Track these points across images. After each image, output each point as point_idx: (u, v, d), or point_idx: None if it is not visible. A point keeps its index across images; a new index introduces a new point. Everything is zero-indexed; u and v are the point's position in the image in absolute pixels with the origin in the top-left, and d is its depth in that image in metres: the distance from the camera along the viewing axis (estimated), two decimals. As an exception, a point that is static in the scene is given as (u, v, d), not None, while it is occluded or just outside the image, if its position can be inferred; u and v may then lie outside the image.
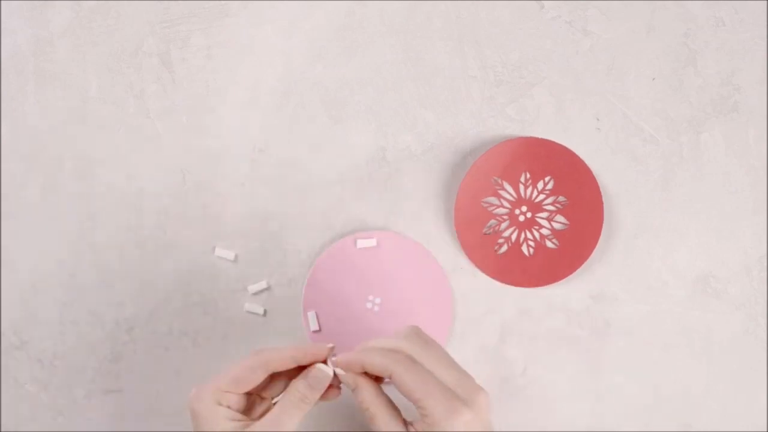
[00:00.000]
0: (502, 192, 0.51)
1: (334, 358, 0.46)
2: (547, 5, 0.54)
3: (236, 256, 0.55)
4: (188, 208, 0.55)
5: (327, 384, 0.46)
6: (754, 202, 0.53)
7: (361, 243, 0.54)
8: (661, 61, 0.54)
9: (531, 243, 0.51)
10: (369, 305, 0.54)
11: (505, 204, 0.50)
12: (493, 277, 0.52)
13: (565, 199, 0.51)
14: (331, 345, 0.46)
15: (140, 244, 0.55)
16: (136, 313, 0.55)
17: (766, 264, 0.53)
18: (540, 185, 0.51)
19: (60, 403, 0.55)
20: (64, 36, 0.56)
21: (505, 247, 0.51)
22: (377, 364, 0.44)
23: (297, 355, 0.46)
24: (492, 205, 0.50)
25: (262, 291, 0.55)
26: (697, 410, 0.53)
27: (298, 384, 0.46)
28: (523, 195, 0.50)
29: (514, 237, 0.51)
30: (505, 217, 0.50)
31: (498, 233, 0.51)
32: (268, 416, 0.45)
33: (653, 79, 0.54)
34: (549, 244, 0.51)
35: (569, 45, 0.54)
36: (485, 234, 0.51)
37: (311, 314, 0.54)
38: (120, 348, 0.55)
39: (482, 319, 0.54)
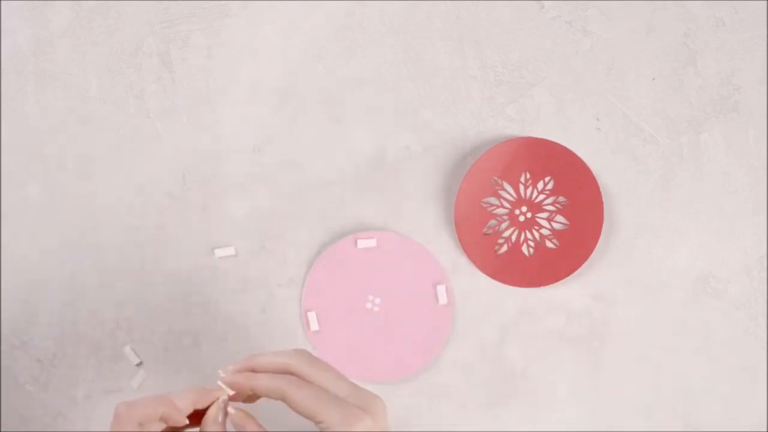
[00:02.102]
0: (502, 192, 0.51)
1: (222, 375, 0.44)
2: (547, 5, 0.54)
3: (236, 252, 0.55)
4: (188, 208, 0.55)
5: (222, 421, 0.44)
6: (754, 202, 0.53)
7: (361, 243, 0.54)
8: (661, 61, 0.54)
9: (531, 243, 0.51)
10: (369, 305, 0.54)
11: (505, 204, 0.50)
12: (493, 277, 0.52)
13: (565, 200, 0.51)
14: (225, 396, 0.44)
15: (140, 244, 0.55)
16: (136, 313, 0.55)
17: (766, 264, 0.53)
18: (540, 185, 0.51)
19: (60, 403, 0.55)
20: (64, 36, 0.56)
21: (505, 248, 0.51)
22: (268, 386, 0.42)
23: (186, 404, 0.43)
24: (492, 205, 0.50)
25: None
26: (697, 410, 0.53)
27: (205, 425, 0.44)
28: (523, 195, 0.50)
29: (514, 237, 0.51)
30: (505, 217, 0.50)
31: (498, 233, 0.51)
32: None
33: (653, 79, 0.54)
34: (549, 244, 0.50)
35: (569, 45, 0.54)
36: (485, 234, 0.51)
37: (311, 314, 0.54)
38: (120, 348, 0.55)
39: (482, 319, 0.54)
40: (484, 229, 0.51)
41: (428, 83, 0.54)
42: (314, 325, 0.54)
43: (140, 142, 0.55)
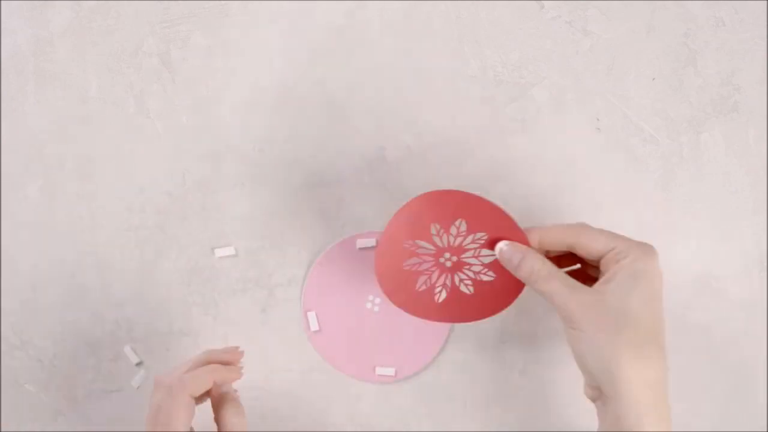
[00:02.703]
0: (419, 251, 0.51)
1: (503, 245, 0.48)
2: (547, 5, 0.54)
3: (236, 252, 0.55)
4: (188, 208, 0.55)
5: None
6: (754, 202, 0.53)
7: (361, 243, 0.54)
8: (661, 61, 0.54)
9: (467, 282, 0.51)
10: (369, 305, 0.54)
11: (427, 259, 0.51)
12: (444, 321, 0.52)
13: (483, 233, 0.51)
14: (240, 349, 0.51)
15: (140, 244, 0.55)
16: (136, 313, 0.55)
17: (766, 264, 0.53)
18: (453, 230, 0.51)
19: (60, 403, 0.56)
20: (64, 36, 0.56)
21: (444, 294, 0.51)
22: (559, 232, 0.47)
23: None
24: (415, 264, 0.51)
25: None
26: (696, 410, 0.53)
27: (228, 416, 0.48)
28: (441, 244, 0.51)
29: (448, 282, 0.51)
30: (433, 269, 0.51)
31: (432, 285, 0.51)
32: None
33: (653, 79, 0.54)
34: (485, 277, 0.51)
35: (569, 45, 0.54)
36: (420, 290, 0.51)
37: (311, 314, 0.54)
38: (120, 348, 0.55)
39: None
40: (418, 287, 0.51)
41: (428, 83, 0.54)
42: (314, 325, 0.54)
43: (140, 142, 0.55)
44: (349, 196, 0.55)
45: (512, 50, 0.54)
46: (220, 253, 0.55)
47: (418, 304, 0.51)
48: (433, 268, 0.50)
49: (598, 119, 0.54)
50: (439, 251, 0.50)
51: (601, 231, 0.46)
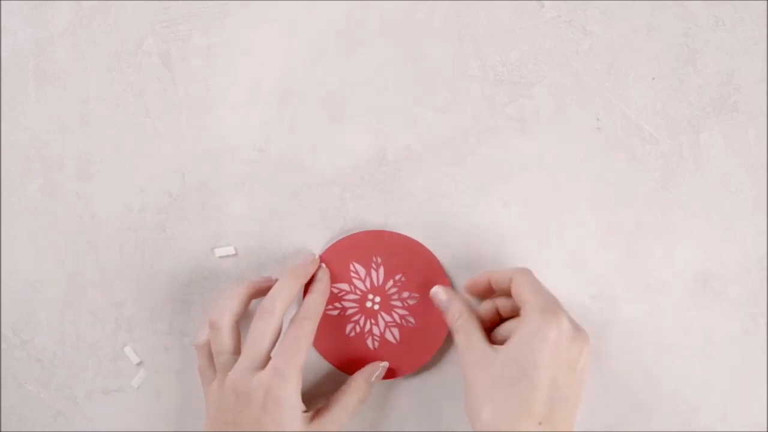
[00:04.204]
0: (343, 302, 0.53)
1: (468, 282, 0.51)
2: (547, 5, 0.54)
3: (236, 252, 0.55)
4: (188, 208, 0.55)
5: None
6: (754, 202, 0.53)
7: (361, 243, 0.54)
8: (660, 61, 0.54)
9: (393, 327, 0.52)
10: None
11: (351, 305, 0.52)
12: (391, 376, 0.53)
13: (401, 275, 0.52)
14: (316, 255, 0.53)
15: (140, 244, 0.55)
16: (136, 313, 0.55)
17: (766, 264, 0.53)
18: (373, 274, 0.52)
19: (60, 403, 0.56)
20: (64, 36, 0.56)
21: (377, 342, 0.53)
22: (502, 272, 0.49)
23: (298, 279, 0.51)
24: (340, 309, 0.52)
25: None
26: (696, 410, 0.53)
27: (360, 383, 0.50)
28: (364, 288, 0.52)
29: (376, 330, 0.52)
30: (358, 315, 0.52)
31: (362, 331, 0.52)
32: (329, 415, 0.48)
33: (653, 78, 0.54)
34: (411, 319, 0.52)
35: (569, 45, 0.54)
36: (350, 336, 0.53)
37: (311, 314, 0.54)
38: (120, 348, 0.55)
39: (482, 319, 0.54)
40: (347, 333, 0.52)
41: (428, 83, 0.54)
42: (314, 325, 0.54)
43: (140, 142, 0.55)
44: (349, 196, 0.55)
45: (512, 50, 0.54)
46: (220, 253, 0.55)
47: (350, 354, 0.52)
48: (358, 315, 0.52)
49: (598, 119, 0.54)
50: (364, 294, 0.52)
51: (524, 283, 0.47)
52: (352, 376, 0.51)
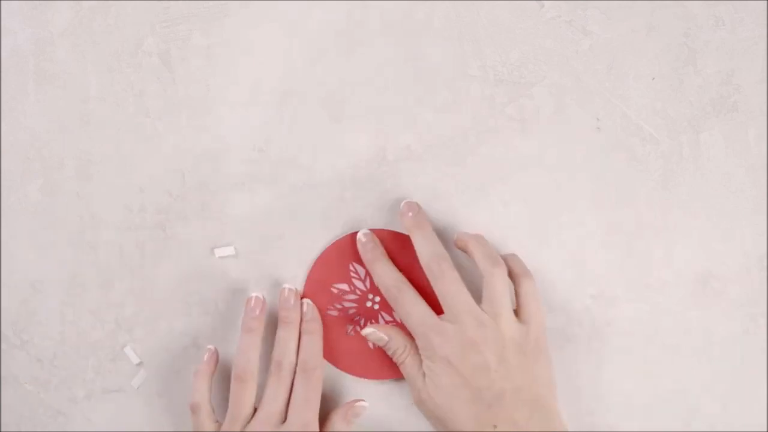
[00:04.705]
0: (342, 303, 0.53)
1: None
2: (547, 5, 0.54)
3: (236, 252, 0.55)
4: (188, 208, 0.55)
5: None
6: (754, 202, 0.53)
7: (361, 243, 0.54)
8: (660, 61, 0.54)
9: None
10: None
11: (351, 306, 0.52)
12: (385, 378, 0.53)
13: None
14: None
15: (140, 244, 0.55)
16: (136, 313, 0.55)
17: (766, 264, 0.53)
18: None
19: (60, 403, 0.56)
20: (64, 36, 0.56)
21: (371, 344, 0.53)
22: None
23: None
24: (340, 309, 0.53)
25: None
26: (696, 410, 0.53)
27: (336, 422, 0.52)
28: (364, 288, 0.52)
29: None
30: (358, 317, 0.52)
31: (360, 334, 0.53)
32: None
33: (653, 78, 0.54)
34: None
35: (569, 45, 0.54)
36: (350, 336, 0.53)
37: (311, 314, 0.54)
38: (120, 348, 0.55)
39: (482, 319, 0.54)
40: (347, 333, 0.53)
41: (428, 83, 0.54)
42: (314, 325, 0.54)
43: (140, 142, 0.55)
44: (349, 196, 0.55)
45: (512, 50, 0.54)
46: (220, 253, 0.55)
47: (353, 356, 0.52)
48: (358, 315, 0.52)
49: (598, 119, 0.54)
50: (364, 294, 0.52)
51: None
52: (330, 413, 0.52)
